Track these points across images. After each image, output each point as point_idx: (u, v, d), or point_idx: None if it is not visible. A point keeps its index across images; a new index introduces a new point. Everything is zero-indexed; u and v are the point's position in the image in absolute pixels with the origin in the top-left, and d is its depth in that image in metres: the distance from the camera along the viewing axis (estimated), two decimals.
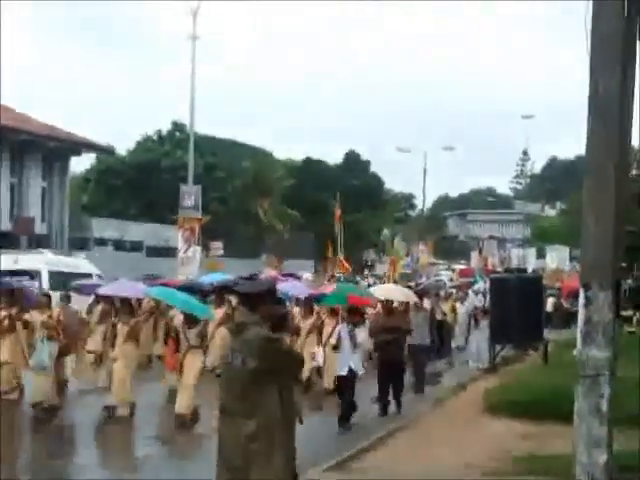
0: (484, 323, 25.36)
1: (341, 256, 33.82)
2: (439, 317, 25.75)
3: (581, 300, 6.81)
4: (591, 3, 7.12)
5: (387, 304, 17.59)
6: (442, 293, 31.12)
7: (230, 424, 6.79)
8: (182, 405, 14.51)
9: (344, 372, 14.83)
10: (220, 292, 21.22)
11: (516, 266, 57.71)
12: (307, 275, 36.74)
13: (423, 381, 19.22)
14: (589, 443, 7.04)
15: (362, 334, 15.34)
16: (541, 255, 76.82)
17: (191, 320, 14.82)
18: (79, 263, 29.51)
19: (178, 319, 15.57)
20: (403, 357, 17.34)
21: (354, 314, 15.57)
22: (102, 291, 17.86)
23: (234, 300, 19.25)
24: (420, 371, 19.29)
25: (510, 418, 15.02)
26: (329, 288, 19.58)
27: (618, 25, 7.26)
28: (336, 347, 15.65)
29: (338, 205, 37.33)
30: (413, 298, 19.36)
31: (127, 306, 16.02)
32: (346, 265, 34.52)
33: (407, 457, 12.16)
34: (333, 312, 18.11)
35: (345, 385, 14.95)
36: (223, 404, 6.91)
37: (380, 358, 16.85)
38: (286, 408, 6.79)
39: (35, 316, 15.92)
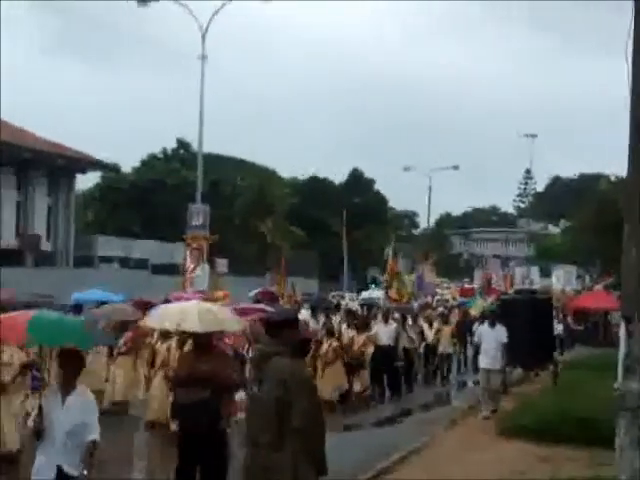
0: None
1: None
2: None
3: (622, 333, 6.66)
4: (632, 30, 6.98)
5: (200, 337, 10.09)
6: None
7: (256, 455, 6.73)
8: None
9: None
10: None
11: (520, 284, 57.76)
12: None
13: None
14: (633, 476, 6.90)
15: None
16: (545, 274, 76.44)
17: None
18: None
19: None
20: (220, 432, 9.60)
21: (72, 360, 7.97)
22: None
23: None
24: None
25: (523, 442, 14.89)
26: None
27: None
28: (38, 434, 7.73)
29: (344, 223, 37.41)
30: (225, 326, 10.97)
31: None
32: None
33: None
34: None
35: None
36: (249, 435, 6.84)
37: (178, 433, 9.79)
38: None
39: None
